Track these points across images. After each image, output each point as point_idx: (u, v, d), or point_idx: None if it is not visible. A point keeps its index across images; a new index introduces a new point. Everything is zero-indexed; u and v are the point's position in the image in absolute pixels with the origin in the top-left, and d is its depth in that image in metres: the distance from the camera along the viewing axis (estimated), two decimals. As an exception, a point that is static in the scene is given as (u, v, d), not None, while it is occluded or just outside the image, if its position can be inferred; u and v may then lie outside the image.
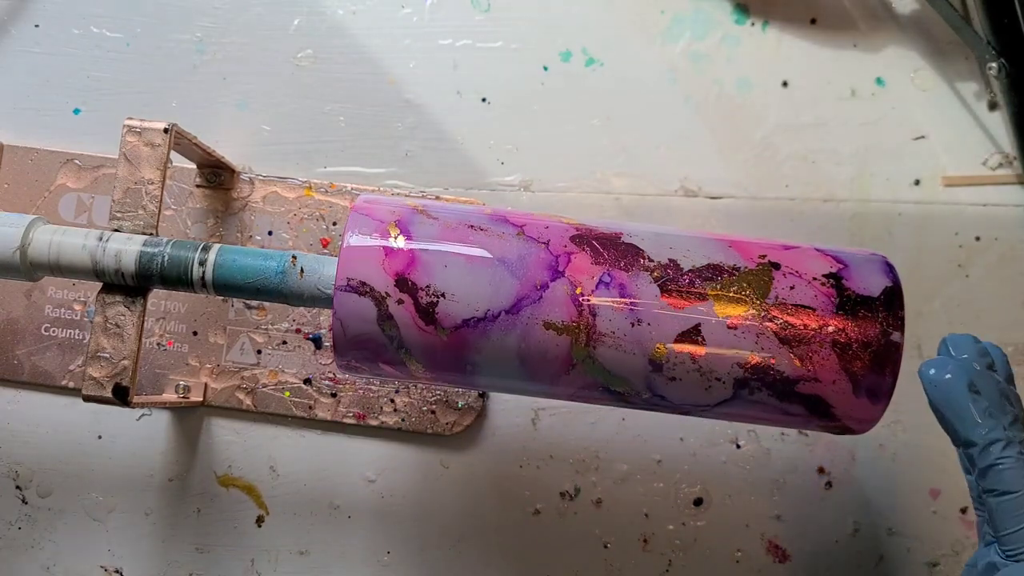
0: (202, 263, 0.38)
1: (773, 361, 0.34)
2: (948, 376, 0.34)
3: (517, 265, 0.35)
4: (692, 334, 0.34)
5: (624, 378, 0.35)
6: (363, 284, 0.35)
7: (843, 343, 0.34)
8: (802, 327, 0.34)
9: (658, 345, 0.34)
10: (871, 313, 0.35)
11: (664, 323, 0.34)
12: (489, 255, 0.35)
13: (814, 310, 0.35)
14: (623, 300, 0.34)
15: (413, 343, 0.35)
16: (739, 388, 0.34)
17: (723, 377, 0.34)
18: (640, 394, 0.35)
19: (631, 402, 0.36)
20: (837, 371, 0.34)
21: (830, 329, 0.34)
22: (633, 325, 0.34)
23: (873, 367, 0.34)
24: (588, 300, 0.35)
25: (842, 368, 0.34)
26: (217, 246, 0.38)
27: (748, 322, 0.34)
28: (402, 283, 0.35)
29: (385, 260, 0.35)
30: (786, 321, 0.34)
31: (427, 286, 0.35)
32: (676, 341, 0.34)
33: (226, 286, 0.38)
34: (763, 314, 0.34)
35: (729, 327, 0.34)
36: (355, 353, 0.36)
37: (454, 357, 0.35)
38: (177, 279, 0.38)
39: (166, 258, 0.38)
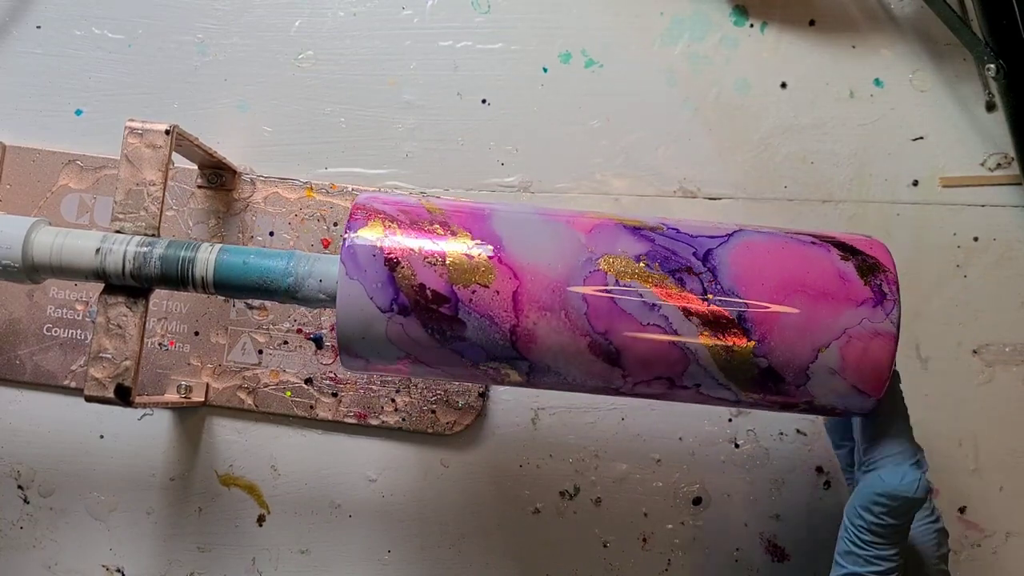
0: (202, 263, 0.38)
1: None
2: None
3: None
4: None
5: (636, 218, 0.38)
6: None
7: None
8: None
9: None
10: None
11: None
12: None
13: None
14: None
15: None
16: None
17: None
18: (656, 229, 0.37)
19: (654, 242, 0.36)
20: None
21: None
22: None
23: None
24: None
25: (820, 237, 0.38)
26: (217, 246, 0.38)
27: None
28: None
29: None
30: None
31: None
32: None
33: (226, 285, 0.38)
34: None
35: None
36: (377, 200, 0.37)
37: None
38: (177, 279, 0.38)
39: (167, 258, 0.38)
